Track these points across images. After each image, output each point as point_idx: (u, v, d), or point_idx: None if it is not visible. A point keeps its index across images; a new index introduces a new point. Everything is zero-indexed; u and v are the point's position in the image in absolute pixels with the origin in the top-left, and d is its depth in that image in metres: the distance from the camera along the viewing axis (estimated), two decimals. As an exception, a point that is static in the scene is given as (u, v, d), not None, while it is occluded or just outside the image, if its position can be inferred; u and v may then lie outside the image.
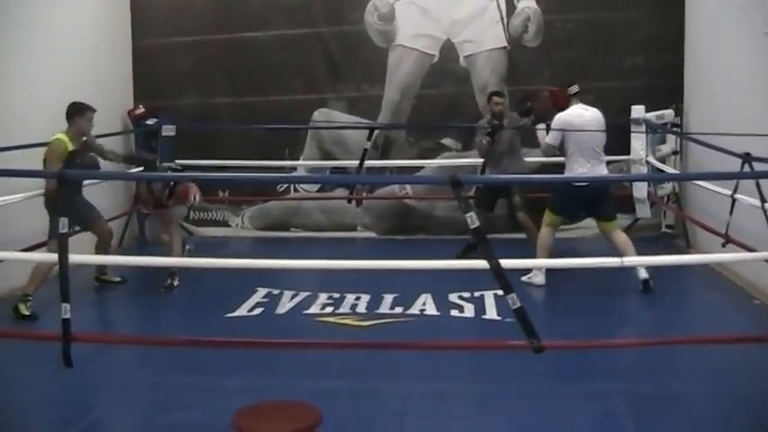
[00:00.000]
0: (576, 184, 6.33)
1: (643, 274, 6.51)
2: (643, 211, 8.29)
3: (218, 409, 4.11)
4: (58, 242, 3.94)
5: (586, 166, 6.48)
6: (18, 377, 4.89)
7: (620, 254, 6.07)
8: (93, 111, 6.53)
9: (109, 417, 4.40)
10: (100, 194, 7.26)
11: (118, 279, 7.11)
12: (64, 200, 3.93)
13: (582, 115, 6.59)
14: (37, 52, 7.26)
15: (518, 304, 3.77)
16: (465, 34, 9.11)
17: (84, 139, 6.51)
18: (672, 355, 4.96)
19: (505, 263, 3.84)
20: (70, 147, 6.29)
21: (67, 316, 3.90)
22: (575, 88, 6.72)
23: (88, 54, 8.23)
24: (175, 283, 6.93)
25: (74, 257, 4.16)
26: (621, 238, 6.61)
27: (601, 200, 6.58)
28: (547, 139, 6.76)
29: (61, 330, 3.91)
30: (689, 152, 8.49)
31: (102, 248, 6.88)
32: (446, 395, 4.62)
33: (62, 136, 6.31)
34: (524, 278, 6.77)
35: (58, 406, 4.58)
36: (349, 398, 4.52)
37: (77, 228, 6.41)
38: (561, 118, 6.60)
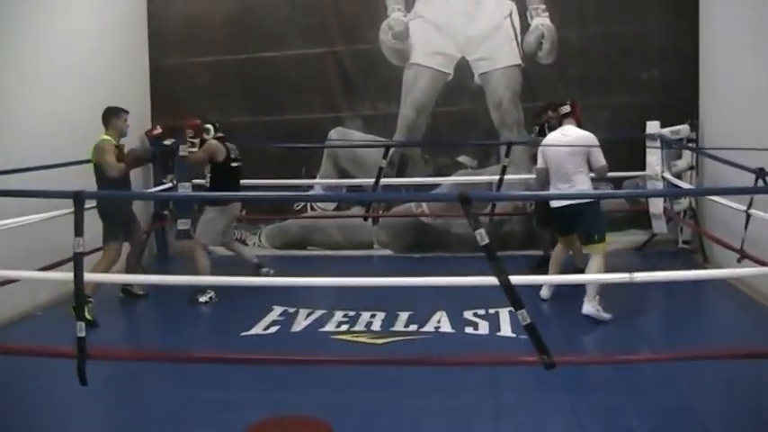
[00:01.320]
0: (552, 205, 6.49)
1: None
2: (659, 227, 8.26)
3: (232, 424, 4.14)
4: (73, 262, 3.96)
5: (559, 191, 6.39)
6: (37, 389, 4.93)
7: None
8: (127, 112, 6.90)
9: (125, 430, 4.43)
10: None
11: (142, 292, 7.28)
12: (81, 218, 3.95)
13: (558, 140, 6.44)
14: (54, 72, 7.37)
15: (528, 320, 3.77)
16: (479, 52, 9.15)
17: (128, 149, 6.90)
18: (687, 370, 4.92)
19: (516, 279, 3.84)
20: (115, 141, 6.67)
21: (83, 334, 3.94)
22: (565, 108, 6.62)
23: (105, 74, 8.31)
24: (202, 299, 7.01)
25: (90, 276, 4.21)
26: (596, 264, 6.21)
27: (575, 220, 6.35)
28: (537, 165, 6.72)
29: (77, 348, 3.95)
30: (705, 167, 8.45)
31: (133, 258, 7.13)
32: (460, 411, 4.61)
33: (105, 136, 6.67)
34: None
35: (73, 419, 4.64)
36: (363, 414, 4.52)
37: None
38: (543, 142, 6.63)
